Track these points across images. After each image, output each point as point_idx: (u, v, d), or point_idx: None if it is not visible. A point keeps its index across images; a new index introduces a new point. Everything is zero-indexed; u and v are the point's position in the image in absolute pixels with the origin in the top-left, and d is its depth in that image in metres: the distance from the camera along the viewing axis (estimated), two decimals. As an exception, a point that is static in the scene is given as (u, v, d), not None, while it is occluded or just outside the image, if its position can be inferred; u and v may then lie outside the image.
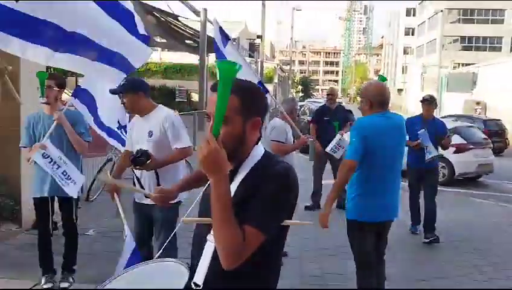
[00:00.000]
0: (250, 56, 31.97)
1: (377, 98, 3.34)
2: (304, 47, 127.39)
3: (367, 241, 3.37)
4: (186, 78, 31.59)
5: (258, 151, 1.60)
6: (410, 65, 59.97)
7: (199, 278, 1.47)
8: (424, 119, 5.95)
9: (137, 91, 3.45)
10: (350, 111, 17.56)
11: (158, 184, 3.34)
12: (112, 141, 4.42)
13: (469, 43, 46.18)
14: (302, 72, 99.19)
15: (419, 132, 5.64)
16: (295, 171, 1.58)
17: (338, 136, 6.55)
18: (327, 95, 7.56)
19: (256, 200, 1.46)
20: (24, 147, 3.95)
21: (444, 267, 4.93)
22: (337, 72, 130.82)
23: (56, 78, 3.93)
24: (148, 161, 3.23)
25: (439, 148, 5.90)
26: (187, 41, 20.59)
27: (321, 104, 8.28)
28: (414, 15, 63.16)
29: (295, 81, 62.15)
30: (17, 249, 4.81)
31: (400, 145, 3.48)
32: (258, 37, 31.54)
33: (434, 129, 5.81)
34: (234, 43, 23.34)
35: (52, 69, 6.56)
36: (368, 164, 3.23)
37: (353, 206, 3.35)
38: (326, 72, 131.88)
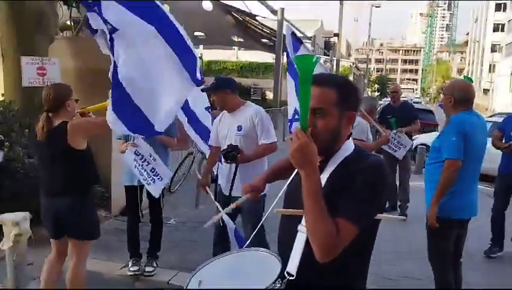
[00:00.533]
0: (325, 54, 31.67)
1: (461, 95, 3.31)
2: (381, 45, 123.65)
3: (450, 241, 3.37)
4: (261, 77, 32.02)
5: (349, 146, 1.61)
6: (498, 64, 55.94)
7: (292, 267, 1.50)
8: None
9: (224, 89, 3.62)
10: (430, 111, 16.73)
11: (233, 179, 3.51)
12: (197, 139, 4.58)
13: None
14: (378, 71, 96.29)
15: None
16: (386, 165, 1.59)
17: (393, 132, 6.04)
18: (391, 92, 7.19)
19: (350, 193, 1.47)
20: (119, 139, 4.23)
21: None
22: (416, 71, 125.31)
23: None
24: (238, 155, 3.40)
25: None
26: (263, 40, 20.87)
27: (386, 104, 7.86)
28: (504, 10, 58.75)
29: (371, 80, 60.49)
30: (107, 233, 5.17)
31: (485, 144, 3.48)
32: (335, 35, 31.10)
33: None
34: (308, 42, 23.18)
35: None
36: (463, 161, 3.19)
37: (445, 204, 3.26)
38: (404, 71, 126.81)
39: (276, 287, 1.45)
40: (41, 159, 3.33)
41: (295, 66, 1.50)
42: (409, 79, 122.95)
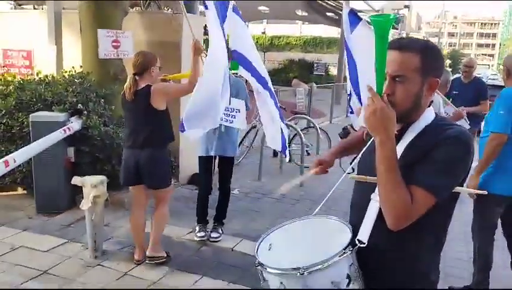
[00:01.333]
0: (393, 28, 30.31)
1: None
2: (455, 17, 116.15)
3: (493, 215, 3.40)
4: (325, 52, 31.39)
5: (430, 114, 1.54)
6: None
7: (364, 235, 1.49)
8: None
9: None
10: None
11: None
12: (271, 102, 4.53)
13: None
14: (451, 45, 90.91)
15: None
16: (471, 137, 1.50)
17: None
18: (463, 66, 6.40)
19: (429, 161, 1.41)
20: None
21: None
22: (493, 46, 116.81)
23: None
24: None
25: None
26: (328, 14, 20.33)
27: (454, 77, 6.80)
28: None
29: (443, 55, 57.30)
30: (175, 200, 5.40)
31: None
32: (406, 7, 29.65)
33: None
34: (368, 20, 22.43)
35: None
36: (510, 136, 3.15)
37: (494, 180, 3.23)
38: (480, 46, 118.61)
39: (346, 254, 1.45)
40: (127, 116, 3.76)
41: (371, 26, 1.46)
42: (485, 54, 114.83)
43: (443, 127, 1.48)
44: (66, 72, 5.40)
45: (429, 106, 1.56)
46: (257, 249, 1.63)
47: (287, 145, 4.54)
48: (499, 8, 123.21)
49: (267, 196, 5.91)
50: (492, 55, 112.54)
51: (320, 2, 18.19)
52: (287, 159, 4.59)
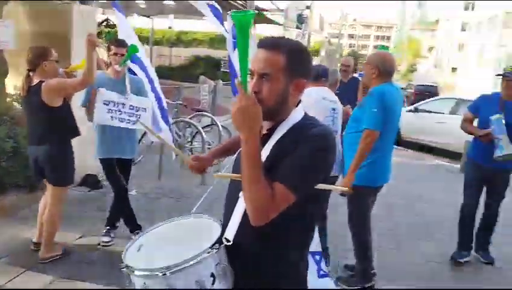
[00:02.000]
0: (297, 27, 31.38)
1: (386, 67, 3.43)
2: (354, 20, 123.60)
3: (369, 206, 3.66)
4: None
5: (298, 114, 1.57)
6: (466, 43, 57.05)
7: (230, 233, 1.49)
8: (502, 100, 4.17)
9: None
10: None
11: None
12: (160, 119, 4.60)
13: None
14: (351, 46, 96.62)
15: (492, 117, 4.08)
16: (334, 135, 1.55)
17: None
18: (341, 65, 6.37)
19: (290, 159, 1.44)
20: (84, 107, 3.99)
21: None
22: (387, 48, 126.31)
23: (126, 46, 3.97)
24: None
25: None
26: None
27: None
28: (475, -12, 59.55)
29: (342, 55, 60.72)
30: (64, 203, 5.06)
31: (400, 115, 3.59)
32: (307, 7, 30.84)
33: None
34: (281, 14, 22.88)
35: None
36: (381, 131, 3.32)
37: (365, 173, 3.41)
38: (376, 47, 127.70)
39: (210, 253, 1.44)
40: (25, 113, 3.76)
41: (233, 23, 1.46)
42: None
43: (308, 126, 1.51)
44: None
45: (297, 106, 1.58)
46: (126, 251, 1.58)
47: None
48: (393, 11, 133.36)
49: (167, 196, 5.77)
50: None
51: (227, 0, 18.24)
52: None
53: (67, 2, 5.22)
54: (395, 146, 10.89)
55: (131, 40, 4.27)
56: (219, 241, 1.49)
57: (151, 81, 4.50)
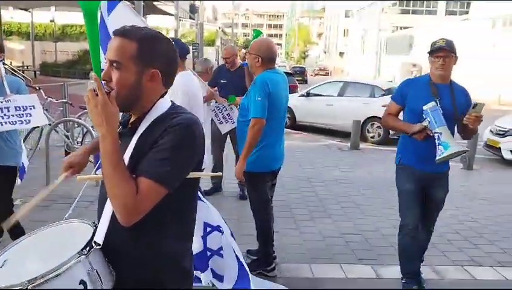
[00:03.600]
0: (190, 18, 31.06)
1: (268, 54, 3.50)
2: (247, 9, 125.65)
3: (267, 190, 3.73)
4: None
5: (163, 105, 1.52)
6: (351, 28, 60.97)
7: (99, 237, 1.42)
8: (433, 84, 3.26)
9: None
10: (291, 74, 17.50)
11: None
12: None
13: (407, 7, 47.48)
14: (245, 35, 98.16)
15: (425, 107, 3.11)
16: (200, 124, 1.51)
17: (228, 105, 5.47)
18: (223, 58, 6.00)
19: (154, 151, 1.39)
20: None
21: (373, 221, 5.16)
22: (280, 36, 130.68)
23: None
24: None
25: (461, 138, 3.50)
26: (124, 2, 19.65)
27: (220, 66, 6.26)
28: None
29: (238, 44, 61.45)
30: None
31: (287, 100, 3.70)
32: (197, -3, 30.64)
33: (452, 102, 3.25)
34: (171, 4, 22.41)
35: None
36: (269, 118, 3.41)
37: (258, 159, 3.51)
38: (270, 35, 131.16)
39: (77, 260, 1.35)
40: None
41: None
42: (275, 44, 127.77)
43: (170, 117, 1.46)
44: None
45: (163, 96, 1.53)
46: None
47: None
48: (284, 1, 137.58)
49: (57, 203, 5.36)
50: (280, 44, 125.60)
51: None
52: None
53: None
54: (291, 130, 11.42)
55: None
56: (89, 245, 1.40)
57: None
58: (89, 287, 1.36)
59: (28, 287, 1.28)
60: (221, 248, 3.29)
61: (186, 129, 1.43)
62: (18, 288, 1.29)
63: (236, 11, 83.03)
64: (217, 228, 3.27)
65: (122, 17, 4.10)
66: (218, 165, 5.88)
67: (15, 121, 3.63)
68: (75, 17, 30.57)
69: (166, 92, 1.54)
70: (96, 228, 1.47)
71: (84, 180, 1.52)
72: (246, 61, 4.59)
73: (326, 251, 4.32)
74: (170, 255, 1.51)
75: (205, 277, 3.32)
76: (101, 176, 1.40)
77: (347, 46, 61.45)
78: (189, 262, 1.61)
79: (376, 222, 5.12)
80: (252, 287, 3.10)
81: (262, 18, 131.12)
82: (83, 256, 1.36)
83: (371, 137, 10.94)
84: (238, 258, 3.25)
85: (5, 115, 3.56)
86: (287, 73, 17.03)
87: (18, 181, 4.07)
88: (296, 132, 11.75)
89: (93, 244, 1.40)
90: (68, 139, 7.02)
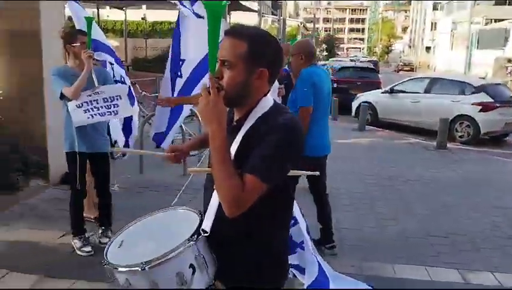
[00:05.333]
0: (273, 14, 31.32)
1: (308, 52, 4.00)
2: (329, 4, 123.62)
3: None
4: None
5: (267, 103, 1.59)
6: (439, 22, 57.70)
7: (207, 224, 1.53)
8: None
9: None
10: (373, 70, 16.92)
11: None
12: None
13: (503, -3, 43.88)
14: (326, 30, 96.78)
15: None
16: (301, 124, 1.58)
17: None
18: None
19: (258, 149, 1.46)
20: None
21: (460, 224, 4.94)
22: (363, 30, 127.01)
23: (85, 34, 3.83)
24: None
25: None
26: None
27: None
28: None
29: (320, 40, 60.79)
30: (44, 202, 5.03)
31: (331, 92, 4.13)
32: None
33: None
34: (255, 1, 22.71)
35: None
36: (314, 107, 3.81)
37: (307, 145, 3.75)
38: (351, 30, 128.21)
39: (187, 245, 1.47)
40: None
41: (204, 10, 1.48)
42: (356, 38, 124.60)
43: (274, 116, 1.53)
44: None
45: (266, 95, 1.59)
46: (107, 248, 1.60)
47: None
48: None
49: (150, 190, 5.76)
50: (362, 39, 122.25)
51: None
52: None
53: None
54: (373, 127, 11.11)
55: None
56: (197, 232, 1.52)
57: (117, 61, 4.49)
58: (197, 271, 1.48)
59: (145, 268, 1.42)
60: (302, 242, 3.37)
61: (291, 130, 1.50)
62: (136, 268, 1.43)
63: (317, 6, 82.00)
64: (297, 221, 3.36)
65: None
66: None
67: (104, 113, 3.81)
68: (164, 15, 32.14)
69: (269, 91, 1.62)
70: (203, 216, 1.60)
71: (194, 172, 1.66)
72: (286, 67, 4.75)
73: (410, 251, 4.23)
74: (269, 246, 1.60)
75: (292, 259, 3.40)
76: (210, 169, 1.50)
77: (434, 41, 58.24)
78: (285, 252, 1.70)
79: (464, 225, 4.90)
80: (332, 283, 3.14)
81: (344, 12, 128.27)
82: (193, 242, 1.48)
83: (460, 136, 10.36)
84: (314, 254, 3.31)
85: (94, 107, 3.76)
86: (370, 69, 16.73)
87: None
88: (378, 129, 11.46)
89: (201, 231, 1.52)
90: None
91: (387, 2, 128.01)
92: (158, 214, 1.78)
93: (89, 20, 3.77)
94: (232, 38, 1.51)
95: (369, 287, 3.40)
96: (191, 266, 1.47)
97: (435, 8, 64.30)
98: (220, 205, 1.50)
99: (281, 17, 27.49)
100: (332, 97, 13.09)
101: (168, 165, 2.01)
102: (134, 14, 29.93)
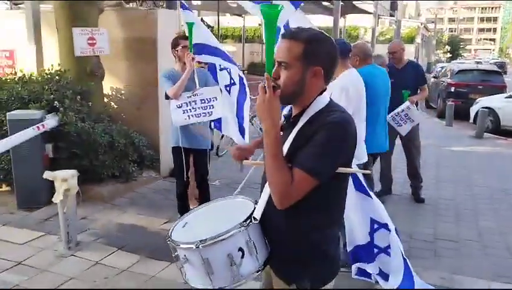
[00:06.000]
0: (391, 15, 30.13)
1: (363, 54, 4.26)
2: (455, 3, 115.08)
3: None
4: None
5: (322, 101, 1.65)
6: None
7: (257, 213, 1.65)
8: None
9: None
10: (498, 72, 15.29)
11: None
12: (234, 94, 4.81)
13: None
14: (452, 31, 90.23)
15: None
16: (352, 123, 1.61)
17: (405, 104, 5.18)
18: (387, 53, 5.62)
19: (310, 145, 1.54)
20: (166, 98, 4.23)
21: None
22: (494, 30, 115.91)
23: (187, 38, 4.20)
24: None
25: None
26: (324, 3, 20.32)
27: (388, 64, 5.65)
28: None
29: (442, 41, 56.92)
30: (155, 193, 5.57)
31: (386, 88, 4.44)
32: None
33: None
34: (371, 2, 22.06)
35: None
36: (368, 104, 3.84)
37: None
38: (481, 30, 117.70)
39: (237, 230, 1.60)
40: None
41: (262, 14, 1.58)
42: (486, 39, 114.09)
43: (327, 114, 1.59)
44: (44, 70, 5.53)
45: (321, 94, 1.66)
46: (173, 228, 1.80)
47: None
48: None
49: (248, 187, 6.01)
50: (493, 40, 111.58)
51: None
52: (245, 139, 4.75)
53: (153, 8, 5.67)
54: (493, 135, 10.10)
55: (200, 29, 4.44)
56: (249, 219, 1.64)
57: (225, 57, 4.65)
58: (246, 255, 1.62)
59: (199, 246, 1.60)
60: (388, 247, 3.30)
61: (339, 127, 1.55)
62: (191, 246, 1.62)
63: (440, 5, 76.87)
64: (385, 226, 3.29)
65: (298, 20, 4.32)
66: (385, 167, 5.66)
67: (199, 114, 4.09)
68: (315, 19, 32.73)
69: (325, 89, 1.69)
70: (256, 205, 1.72)
71: (249, 165, 1.81)
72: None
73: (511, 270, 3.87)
74: (312, 239, 1.66)
75: (372, 268, 3.36)
76: (262, 163, 1.63)
77: None
78: (334, 248, 1.73)
79: None
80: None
81: (472, 11, 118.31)
82: (243, 227, 1.61)
83: None
84: (404, 259, 3.21)
85: (192, 108, 4.06)
86: (495, 71, 15.13)
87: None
88: (498, 137, 10.47)
89: (252, 219, 1.65)
90: (262, 131, 7.73)
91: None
92: (219, 201, 1.98)
93: (190, 26, 4.11)
94: (288, 40, 1.61)
95: None
96: (240, 249, 1.60)
97: None
98: (270, 196, 1.61)
99: (397, 18, 26.38)
100: (448, 102, 12.27)
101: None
102: (251, 20, 31.12)
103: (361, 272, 3.43)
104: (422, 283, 3.39)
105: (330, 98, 1.71)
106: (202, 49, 4.47)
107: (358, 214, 3.30)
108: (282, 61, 1.60)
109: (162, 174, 6.08)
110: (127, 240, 4.18)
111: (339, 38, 4.86)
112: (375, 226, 3.34)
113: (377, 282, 3.37)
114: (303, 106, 1.66)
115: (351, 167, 1.68)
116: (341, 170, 1.60)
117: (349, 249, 3.43)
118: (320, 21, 31.60)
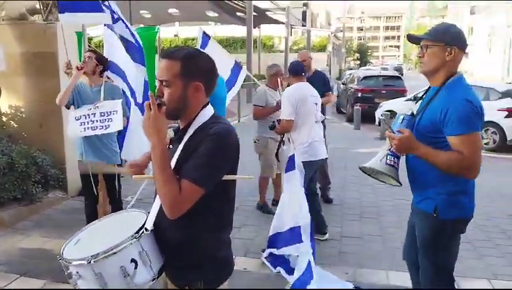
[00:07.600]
0: (303, 25, 31.44)
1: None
2: (362, 12, 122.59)
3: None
4: (238, 52, 31.79)
5: (206, 113, 1.76)
6: (476, 26, 56.11)
7: (149, 223, 1.71)
8: None
9: None
10: (398, 77, 16.45)
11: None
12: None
13: (544, -1, 42.19)
14: (360, 39, 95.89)
15: None
16: (234, 132, 1.73)
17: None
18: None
19: (194, 157, 1.63)
20: (67, 108, 4.16)
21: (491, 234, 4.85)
22: (398, 37, 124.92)
23: (97, 53, 4.21)
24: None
25: None
26: (238, 14, 20.71)
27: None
28: (482, -29, 58.43)
29: (352, 49, 60.35)
30: (62, 213, 5.34)
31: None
32: (304, 5, 30.86)
33: None
34: (282, 13, 22.84)
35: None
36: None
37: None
38: (386, 38, 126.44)
39: (129, 242, 1.64)
40: None
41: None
42: (392, 46, 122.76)
43: (209, 126, 1.70)
44: None
45: (205, 106, 1.76)
46: (64, 245, 1.79)
47: None
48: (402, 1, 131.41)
49: (142, 201, 5.92)
50: (398, 46, 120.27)
51: (228, 2, 18.49)
52: None
53: (51, 22, 5.46)
54: (496, 154, 9.74)
55: (114, 48, 4.42)
56: (141, 230, 1.69)
57: (131, 89, 4.59)
58: (139, 265, 1.65)
59: (91, 261, 1.61)
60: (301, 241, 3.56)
61: (221, 138, 1.67)
62: (83, 262, 1.62)
63: (349, 15, 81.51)
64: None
65: (213, 52, 4.38)
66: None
67: (96, 127, 3.99)
68: (195, 32, 32.76)
69: (208, 102, 1.79)
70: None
71: (139, 179, 1.85)
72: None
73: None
74: (204, 244, 1.75)
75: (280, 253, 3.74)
76: (151, 177, 1.69)
77: (472, 45, 56.60)
78: (225, 250, 1.83)
79: None
80: (314, 283, 3.23)
81: (378, 20, 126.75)
82: (135, 239, 1.66)
83: (485, 144, 10.08)
84: (309, 261, 3.41)
85: (90, 120, 3.98)
86: (396, 77, 16.38)
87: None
88: (504, 156, 9.71)
89: (144, 230, 1.69)
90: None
91: (423, 8, 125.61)
92: (113, 216, 2.01)
93: (79, 35, 4.11)
94: (166, 60, 1.70)
95: (353, 288, 3.46)
96: (133, 260, 1.64)
97: (472, 13, 62.54)
98: (161, 207, 1.67)
99: (308, 29, 27.57)
100: (356, 107, 12.98)
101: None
102: (167, 32, 30.78)
103: (273, 259, 3.80)
104: (324, 273, 3.61)
105: (214, 111, 1.80)
106: (111, 65, 4.42)
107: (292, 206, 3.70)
108: (163, 79, 1.69)
109: (70, 193, 5.83)
110: (30, 266, 3.97)
111: (295, 60, 4.81)
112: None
113: (278, 273, 3.67)
114: (189, 120, 1.75)
115: (236, 174, 1.77)
116: (226, 177, 1.70)
117: (270, 233, 3.84)
118: (236, 31, 32.31)
